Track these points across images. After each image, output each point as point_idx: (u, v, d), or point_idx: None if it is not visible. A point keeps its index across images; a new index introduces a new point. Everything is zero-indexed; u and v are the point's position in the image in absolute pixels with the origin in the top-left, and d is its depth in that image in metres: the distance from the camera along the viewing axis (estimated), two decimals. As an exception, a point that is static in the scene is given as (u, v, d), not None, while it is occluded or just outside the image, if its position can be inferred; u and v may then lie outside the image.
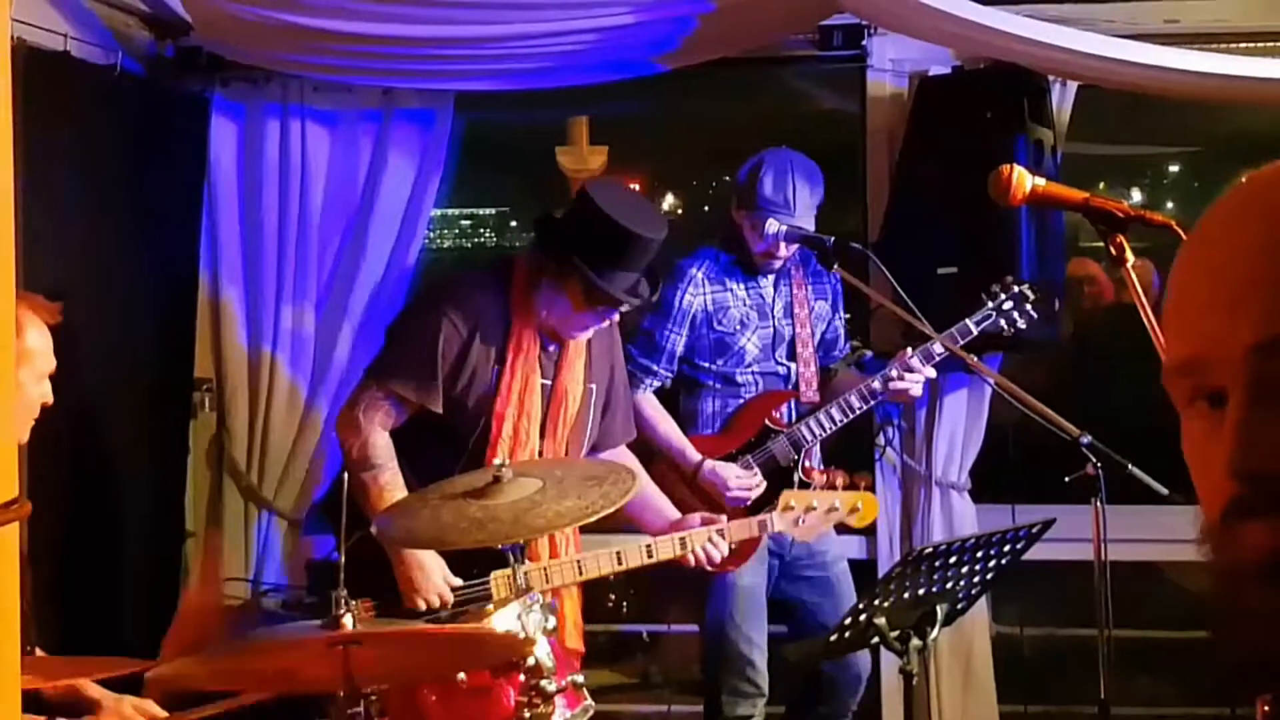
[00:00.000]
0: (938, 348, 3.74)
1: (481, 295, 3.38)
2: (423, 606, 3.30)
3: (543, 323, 3.37)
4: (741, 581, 3.90)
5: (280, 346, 4.57)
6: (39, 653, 2.83)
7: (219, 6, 4.09)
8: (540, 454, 3.41)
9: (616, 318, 3.44)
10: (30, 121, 3.91)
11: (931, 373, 3.82)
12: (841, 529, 4.17)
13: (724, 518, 3.54)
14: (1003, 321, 3.82)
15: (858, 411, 3.85)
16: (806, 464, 3.92)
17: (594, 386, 3.53)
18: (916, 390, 3.82)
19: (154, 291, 4.48)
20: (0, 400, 1.58)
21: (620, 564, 3.39)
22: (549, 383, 3.42)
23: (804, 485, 3.89)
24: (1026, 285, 3.86)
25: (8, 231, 1.63)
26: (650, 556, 3.43)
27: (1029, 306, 3.85)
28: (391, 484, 3.32)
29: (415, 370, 3.33)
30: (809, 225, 3.85)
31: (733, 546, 3.54)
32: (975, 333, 3.79)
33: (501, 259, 3.49)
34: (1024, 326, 3.85)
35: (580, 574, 3.39)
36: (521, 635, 2.77)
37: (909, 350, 3.79)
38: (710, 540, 3.47)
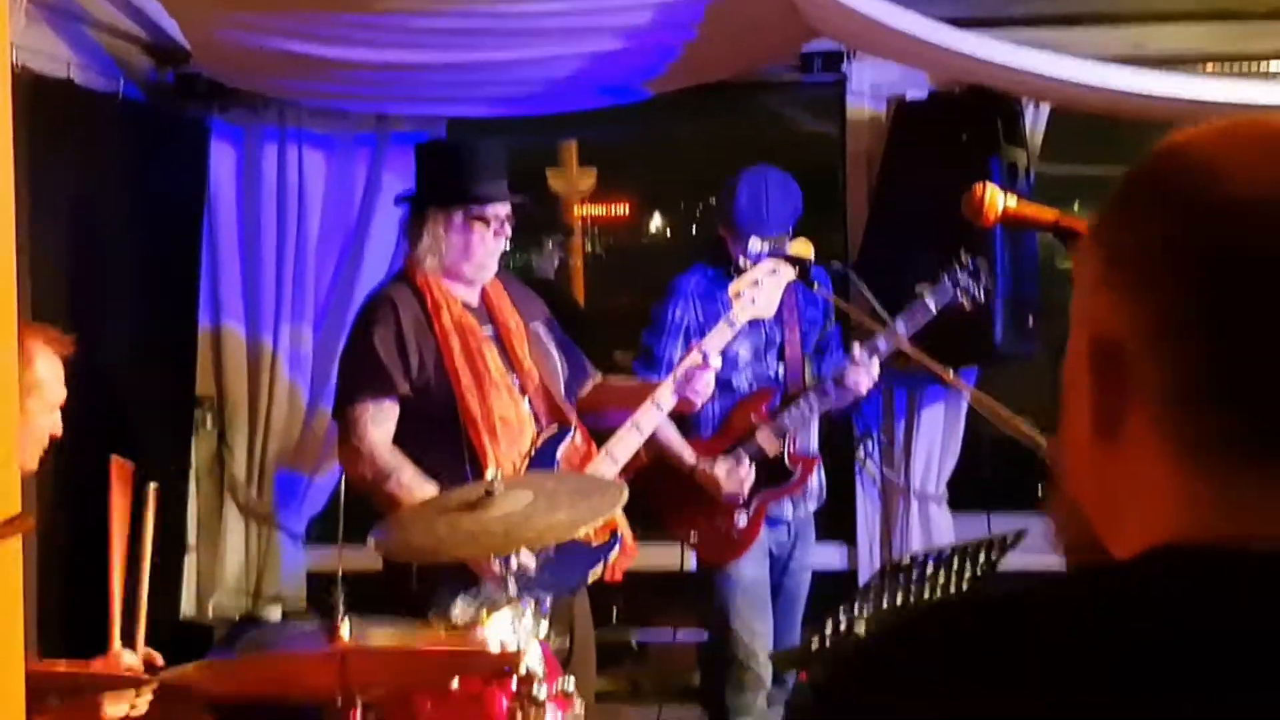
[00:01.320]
0: (883, 344, 3.78)
1: (390, 291, 3.50)
2: (497, 568, 3.21)
3: (448, 270, 3.46)
4: (745, 574, 3.97)
5: (279, 365, 4.67)
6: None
7: (218, 34, 4.19)
8: (523, 388, 3.47)
9: (508, 230, 3.51)
10: (34, 147, 4.03)
11: (875, 370, 3.83)
12: (823, 537, 4.27)
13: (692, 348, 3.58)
14: (963, 298, 3.86)
15: (830, 395, 3.91)
16: (792, 451, 4.01)
17: (535, 325, 3.62)
18: (862, 389, 3.87)
19: (156, 311, 4.57)
20: (2, 417, 1.64)
21: (642, 432, 3.46)
22: (490, 328, 3.51)
23: (789, 473, 4.00)
24: (979, 258, 3.88)
25: (8, 257, 1.70)
26: (661, 409, 3.48)
27: (985, 278, 3.88)
28: (414, 481, 3.36)
29: (369, 374, 3.41)
30: (786, 240, 3.95)
31: (715, 362, 3.51)
32: (935, 312, 3.81)
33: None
34: (981, 299, 3.89)
35: (615, 464, 3.42)
36: (514, 642, 2.86)
37: (857, 346, 3.85)
38: (689, 375, 3.48)
